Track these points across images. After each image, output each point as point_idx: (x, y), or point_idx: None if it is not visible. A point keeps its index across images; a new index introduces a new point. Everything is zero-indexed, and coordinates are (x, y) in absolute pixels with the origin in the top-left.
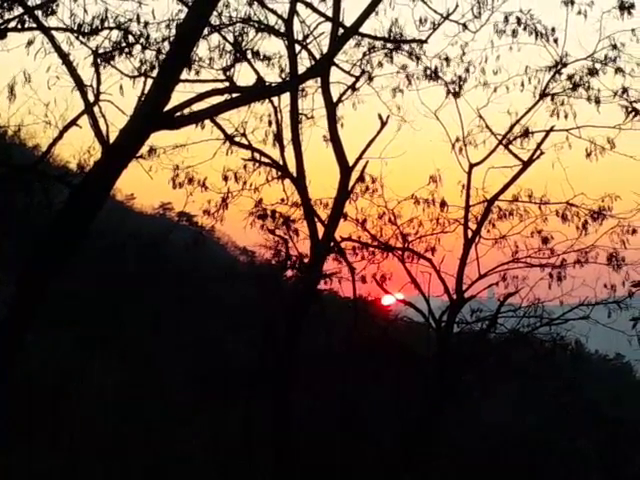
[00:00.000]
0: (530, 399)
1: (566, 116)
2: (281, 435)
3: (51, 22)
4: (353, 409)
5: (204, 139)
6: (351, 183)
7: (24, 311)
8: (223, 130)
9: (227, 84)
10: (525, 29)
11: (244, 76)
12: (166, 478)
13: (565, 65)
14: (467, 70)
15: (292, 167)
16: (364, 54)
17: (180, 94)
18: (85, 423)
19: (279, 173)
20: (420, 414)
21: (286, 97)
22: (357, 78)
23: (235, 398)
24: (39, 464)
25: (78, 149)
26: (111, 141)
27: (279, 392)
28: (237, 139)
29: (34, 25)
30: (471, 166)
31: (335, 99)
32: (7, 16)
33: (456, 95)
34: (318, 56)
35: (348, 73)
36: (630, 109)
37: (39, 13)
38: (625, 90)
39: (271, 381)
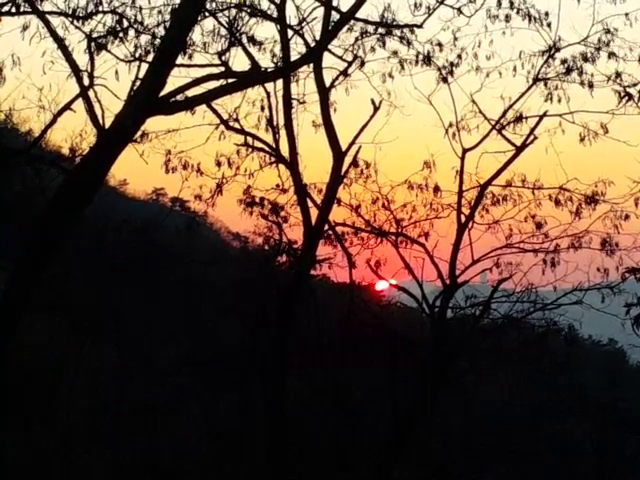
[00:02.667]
0: (523, 384)
1: (559, 100)
2: (275, 419)
3: (46, 6)
4: (347, 394)
5: (197, 124)
6: (344, 168)
7: (18, 296)
8: (218, 114)
9: (222, 69)
10: (518, 12)
11: (237, 61)
12: (161, 462)
13: (558, 50)
14: (459, 56)
15: (285, 152)
16: (356, 39)
17: (175, 78)
18: (79, 407)
19: (272, 158)
20: (414, 399)
21: (279, 82)
22: (349, 64)
23: (229, 383)
24: (35, 447)
25: (71, 134)
26: (106, 126)
27: (273, 377)
28: (230, 124)
29: (29, 9)
30: (464, 151)
31: (327, 84)
32: (1, 0)
33: (445, 80)
34: (311, 41)
35: (340, 58)
36: (623, 93)
37: None
38: (618, 75)
39: (265, 366)
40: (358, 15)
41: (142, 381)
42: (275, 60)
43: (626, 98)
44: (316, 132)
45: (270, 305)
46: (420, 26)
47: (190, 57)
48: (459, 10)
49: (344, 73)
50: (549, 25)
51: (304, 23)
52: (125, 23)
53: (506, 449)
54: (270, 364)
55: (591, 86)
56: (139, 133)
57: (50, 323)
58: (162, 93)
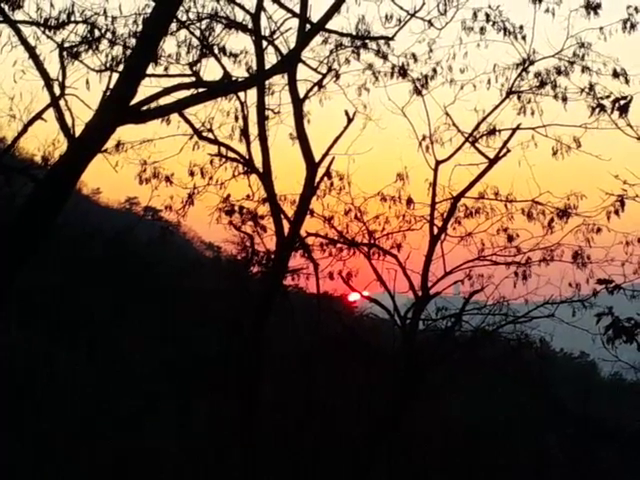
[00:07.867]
0: (496, 396)
1: (532, 113)
2: (248, 429)
3: (17, 15)
4: (320, 405)
5: (171, 134)
6: (317, 179)
7: None
8: (191, 124)
9: (193, 79)
10: (494, 25)
11: (211, 72)
12: (134, 467)
13: (532, 63)
14: (434, 70)
15: (258, 163)
16: (331, 51)
17: (147, 89)
18: (54, 412)
19: (245, 168)
20: (386, 411)
21: (253, 94)
22: (324, 75)
23: (201, 392)
24: (8, 453)
25: (43, 142)
26: (77, 135)
27: (246, 388)
28: (204, 134)
29: (0, 18)
30: (437, 163)
31: (302, 96)
32: None
33: (419, 92)
34: (285, 52)
35: (315, 70)
36: (596, 105)
37: (5, 7)
38: (592, 87)
39: (238, 377)
40: (333, 28)
41: (116, 386)
42: (250, 72)
43: (598, 109)
44: (293, 144)
45: (244, 315)
46: (391, 38)
47: (166, 69)
48: (430, 22)
49: (318, 84)
50: (524, 38)
51: (278, 34)
52: (97, 33)
53: (481, 459)
54: (243, 375)
55: (565, 99)
56: (114, 143)
57: (25, 328)
58: (132, 102)
